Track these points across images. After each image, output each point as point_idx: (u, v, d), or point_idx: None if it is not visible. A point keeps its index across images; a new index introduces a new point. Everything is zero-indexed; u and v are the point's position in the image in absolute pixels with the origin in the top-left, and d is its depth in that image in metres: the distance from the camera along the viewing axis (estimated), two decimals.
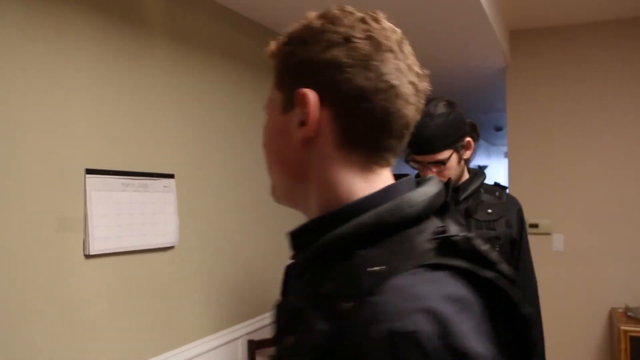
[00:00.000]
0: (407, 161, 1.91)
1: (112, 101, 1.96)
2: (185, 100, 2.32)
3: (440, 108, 1.82)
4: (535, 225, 3.77)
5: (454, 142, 1.81)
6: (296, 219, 2.81)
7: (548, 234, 3.74)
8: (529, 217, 3.77)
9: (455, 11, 2.73)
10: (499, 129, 7.45)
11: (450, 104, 1.84)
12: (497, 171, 10.83)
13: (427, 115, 1.81)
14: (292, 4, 2.59)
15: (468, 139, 1.87)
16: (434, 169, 1.82)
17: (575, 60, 3.72)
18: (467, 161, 1.93)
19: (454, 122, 1.81)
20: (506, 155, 12.00)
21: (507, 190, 1.98)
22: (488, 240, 1.82)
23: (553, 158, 3.75)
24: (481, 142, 9.41)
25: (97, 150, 1.90)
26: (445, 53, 3.56)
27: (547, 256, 3.73)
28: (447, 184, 1.94)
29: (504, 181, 3.87)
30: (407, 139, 0.73)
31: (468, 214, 1.85)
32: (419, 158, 1.84)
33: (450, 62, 3.81)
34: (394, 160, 0.73)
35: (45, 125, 1.72)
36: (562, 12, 3.52)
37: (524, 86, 3.85)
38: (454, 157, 1.83)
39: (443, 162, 1.81)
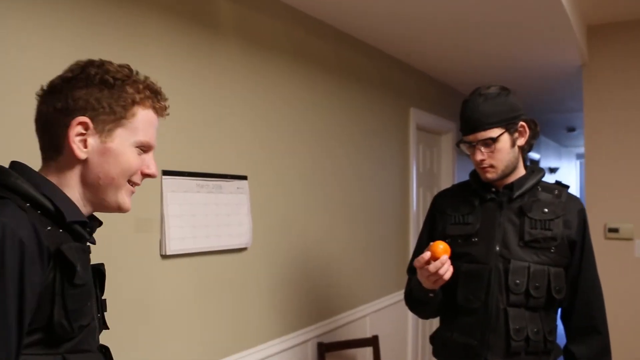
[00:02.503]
0: (457, 145, 1.84)
1: (187, 104, 1.99)
2: (258, 102, 2.33)
3: (492, 89, 1.76)
4: (615, 230, 3.58)
5: (506, 121, 1.72)
6: (371, 221, 2.76)
7: (630, 239, 3.54)
8: (609, 222, 3.59)
9: (529, 3, 2.61)
10: (571, 129, 7.17)
11: (503, 88, 1.78)
12: (568, 173, 10.42)
13: (478, 95, 1.76)
14: (363, 7, 2.56)
15: (523, 123, 1.75)
16: (484, 149, 1.73)
17: None
18: (524, 155, 1.83)
19: (507, 102, 1.74)
20: (578, 156, 11.54)
21: (569, 190, 1.84)
22: (543, 240, 1.71)
23: (635, 160, 3.55)
24: (552, 143, 9.07)
25: (173, 151, 1.93)
26: (517, 48, 3.43)
27: (628, 263, 3.53)
28: (473, 174, 1.86)
29: (575, 184, 3.68)
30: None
31: (522, 212, 1.75)
32: (470, 138, 1.75)
33: (522, 59, 3.66)
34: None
35: None
36: None
37: (602, 85, 3.66)
38: (506, 139, 1.73)
39: (492, 140, 1.71)
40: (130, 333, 1.76)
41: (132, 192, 1.13)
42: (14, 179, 0.99)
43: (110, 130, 1.04)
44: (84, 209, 1.09)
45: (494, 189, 1.81)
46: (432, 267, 1.62)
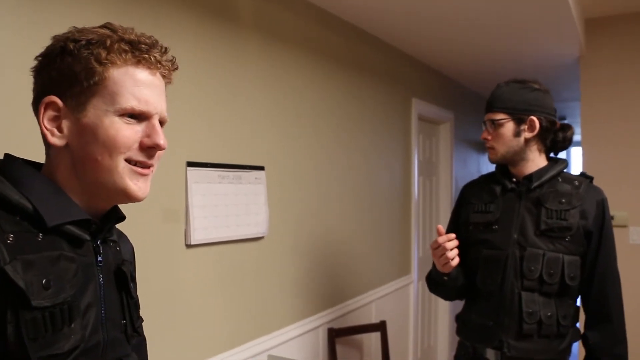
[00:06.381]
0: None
1: (210, 97, 2.03)
2: (274, 94, 2.37)
3: (521, 81, 1.86)
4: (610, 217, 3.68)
5: (515, 110, 1.82)
6: (377, 210, 2.81)
7: (624, 226, 3.65)
8: None
9: None
10: (562, 118, 7.32)
11: (536, 83, 1.87)
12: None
13: (507, 82, 1.88)
14: (372, 1, 2.61)
15: (533, 118, 1.82)
16: (490, 130, 1.86)
17: None
18: (546, 150, 1.90)
19: (524, 95, 1.83)
20: None
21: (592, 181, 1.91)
22: (558, 230, 1.78)
23: (629, 149, 3.65)
24: None
25: (197, 143, 1.97)
26: (518, 41, 3.49)
27: (623, 250, 3.63)
28: (498, 165, 1.95)
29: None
30: None
31: (539, 203, 1.82)
32: (485, 116, 1.91)
33: (522, 51, 3.73)
34: None
35: None
36: None
37: (599, 77, 3.75)
38: (510, 127, 1.83)
39: (494, 123, 1.84)
40: (157, 320, 1.82)
41: (141, 174, 0.91)
42: None
43: (83, 104, 0.85)
44: (92, 208, 0.91)
45: (515, 180, 1.89)
46: (440, 239, 1.77)
